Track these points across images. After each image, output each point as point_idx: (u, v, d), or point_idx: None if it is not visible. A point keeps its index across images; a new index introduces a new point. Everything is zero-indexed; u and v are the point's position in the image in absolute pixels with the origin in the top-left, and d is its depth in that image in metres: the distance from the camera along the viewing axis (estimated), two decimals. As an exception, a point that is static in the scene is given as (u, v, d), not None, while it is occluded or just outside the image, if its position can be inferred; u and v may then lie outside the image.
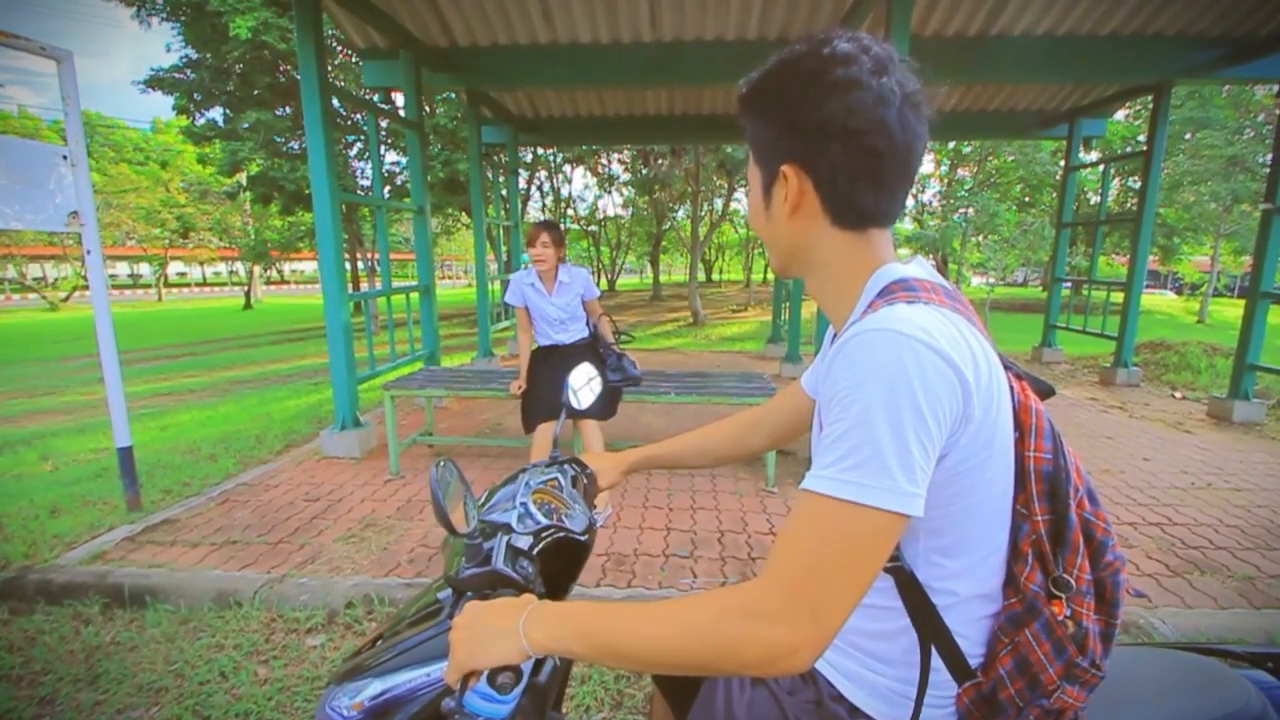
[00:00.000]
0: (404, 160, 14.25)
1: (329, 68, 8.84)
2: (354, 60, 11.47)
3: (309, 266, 49.33)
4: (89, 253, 2.84)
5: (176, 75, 11.95)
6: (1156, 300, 22.26)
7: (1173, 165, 14.10)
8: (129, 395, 3.10)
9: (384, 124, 11.69)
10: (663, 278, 26.16)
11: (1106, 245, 16.30)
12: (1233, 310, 18.58)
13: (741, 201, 21.76)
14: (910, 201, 22.27)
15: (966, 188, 19.43)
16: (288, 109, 12.75)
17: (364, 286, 16.45)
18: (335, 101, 10.41)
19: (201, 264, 38.32)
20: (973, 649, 0.73)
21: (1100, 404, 5.57)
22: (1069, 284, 7.96)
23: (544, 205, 21.28)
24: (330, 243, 3.87)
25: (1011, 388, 0.71)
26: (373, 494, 3.38)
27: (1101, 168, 7.89)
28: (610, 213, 22.65)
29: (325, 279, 3.92)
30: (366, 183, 15.48)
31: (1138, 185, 14.57)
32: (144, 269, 34.94)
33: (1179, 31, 4.92)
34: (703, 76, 5.28)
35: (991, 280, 16.56)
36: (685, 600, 0.64)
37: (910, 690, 0.74)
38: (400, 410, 4.80)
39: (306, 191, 12.70)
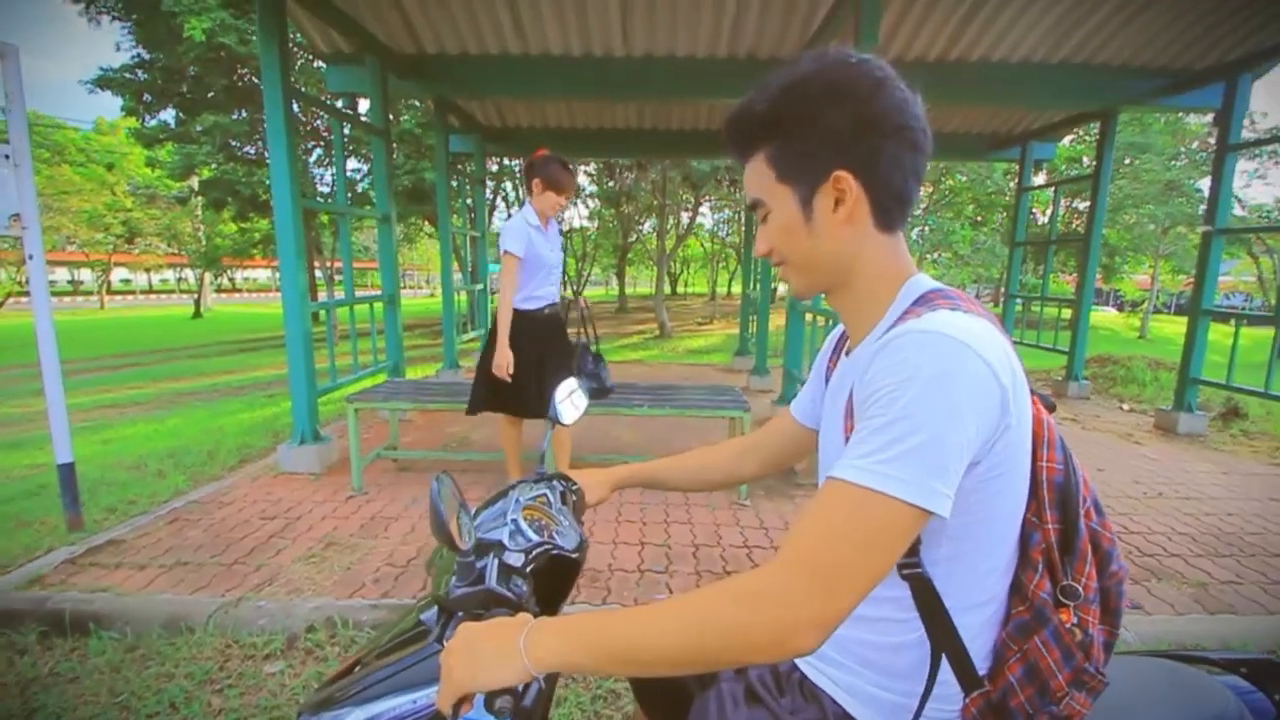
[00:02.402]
0: (364, 167, 13.98)
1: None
2: (314, 64, 11.23)
3: (262, 274, 47.95)
4: (31, 257, 2.68)
5: (127, 75, 11.50)
6: (1100, 316, 23.28)
7: (1115, 188, 14.82)
8: (69, 407, 2.92)
9: (347, 130, 11.48)
10: (628, 289, 26.24)
11: (1054, 264, 17.05)
12: (1171, 326, 19.60)
13: (706, 215, 21.97)
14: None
15: (922, 206, 20.11)
16: (244, 112, 12.39)
17: (321, 296, 16.01)
18: (296, 106, 10.18)
19: (148, 270, 36.82)
20: (980, 658, 0.73)
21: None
22: (1021, 300, 8.26)
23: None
24: (291, 250, 3.74)
25: None
26: (334, 511, 3.26)
27: (1051, 190, 8.23)
28: (576, 224, 22.65)
29: (286, 287, 3.79)
30: (325, 189, 15.13)
31: (1082, 206, 15.32)
32: (85, 275, 33.37)
33: (1124, 62, 5.19)
34: (673, 92, 5.34)
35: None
36: (691, 594, 0.62)
37: (913, 703, 0.74)
38: (362, 424, 4.65)
39: (263, 197, 12.32)
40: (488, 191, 17.00)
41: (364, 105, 9.15)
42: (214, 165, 12.01)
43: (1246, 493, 3.77)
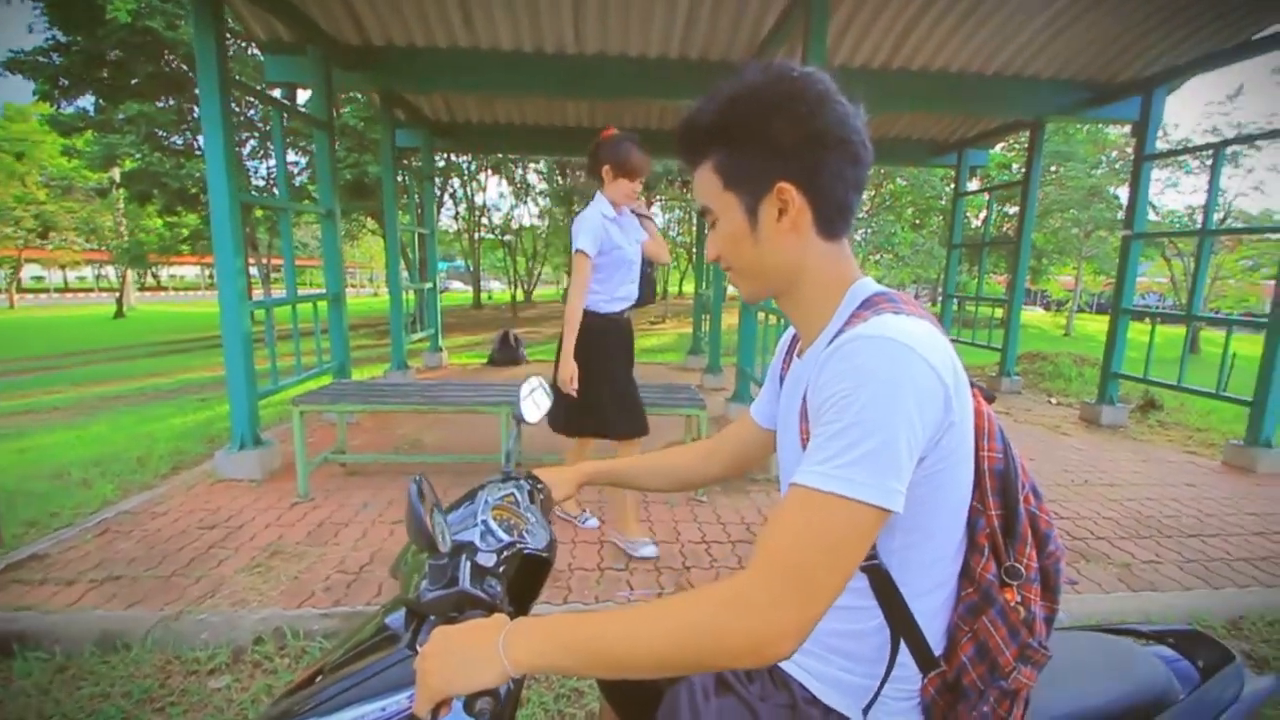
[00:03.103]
0: (301, 160, 13.45)
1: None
2: (249, 50, 10.73)
3: (191, 271, 45.53)
4: (-64, 251, 2.48)
5: (40, 59, 10.73)
6: (1029, 315, 24.52)
7: (1042, 194, 15.63)
8: (-17, 414, 2.71)
9: (285, 121, 11.03)
10: (579, 289, 26.05)
11: (987, 265, 17.89)
12: (1093, 324, 20.85)
13: (658, 215, 22.05)
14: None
15: (865, 209, 20.75)
16: (172, 100, 11.74)
17: (257, 294, 15.33)
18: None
19: (63, 267, 34.46)
20: (935, 639, 0.77)
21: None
22: (957, 300, 8.64)
23: (456, 213, 20.74)
24: (229, 246, 3.58)
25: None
26: (278, 519, 3.13)
27: (986, 195, 8.63)
28: (526, 222, 22.39)
29: (223, 285, 3.61)
30: (260, 183, 14.50)
31: (1012, 211, 16.11)
32: (-9, 272, 30.96)
33: (1051, 75, 5.49)
34: (624, 91, 5.35)
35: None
36: (672, 599, 0.64)
37: (873, 684, 0.77)
38: (307, 427, 4.47)
39: (192, 190, 11.72)
40: (435, 187, 16.67)
41: (303, 96, 8.79)
42: (138, 156, 11.34)
43: (1163, 479, 4.05)
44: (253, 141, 13.19)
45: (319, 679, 0.86)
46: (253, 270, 15.87)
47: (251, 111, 12.47)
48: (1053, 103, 5.67)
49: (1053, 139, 14.30)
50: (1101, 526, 3.24)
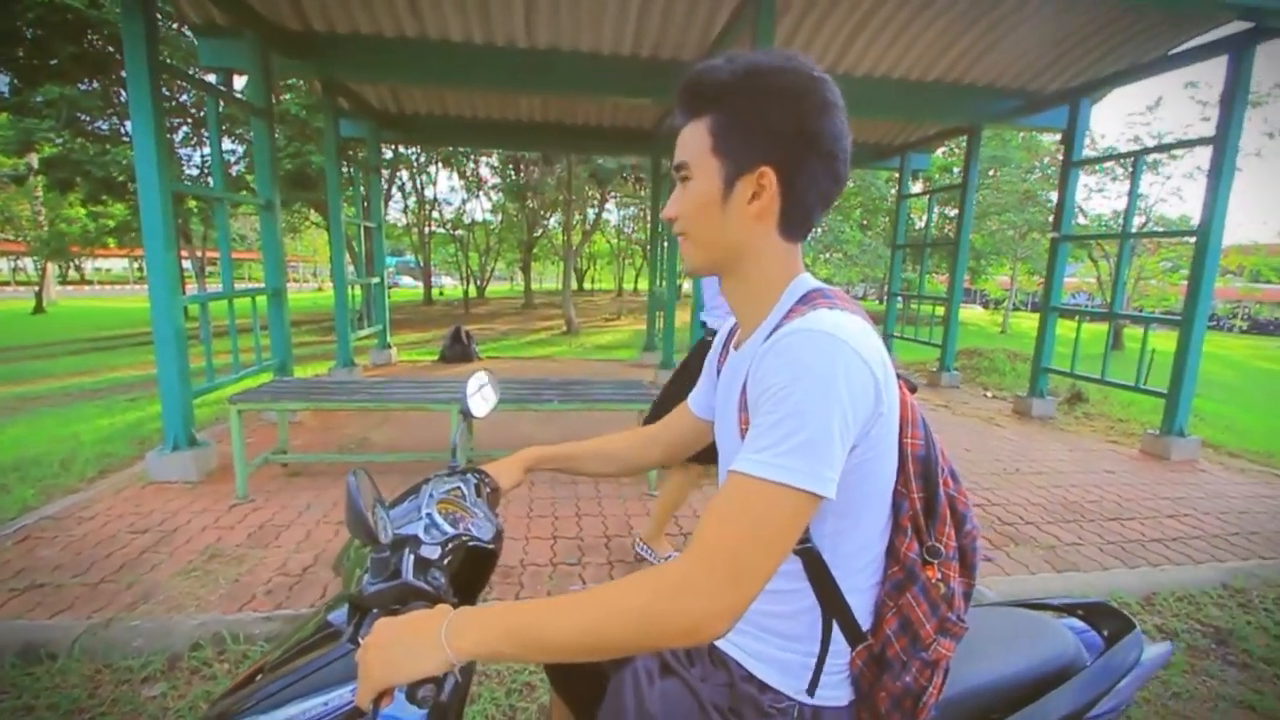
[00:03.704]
0: (238, 149, 12.87)
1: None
2: (182, 31, 10.19)
3: (118, 264, 43.05)
4: None
5: (-56, 35, 9.92)
6: (968, 313, 25.53)
7: (980, 197, 16.31)
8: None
9: (221, 108, 10.55)
10: (535, 285, 25.85)
11: (929, 265, 18.58)
12: (1028, 322, 21.86)
13: (613, 212, 22.05)
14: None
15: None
16: (95, 83, 11.05)
17: (191, 288, 14.63)
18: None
19: (-28, 259, 32.07)
20: (864, 616, 0.81)
21: (929, 404, 6.30)
22: (901, 298, 8.95)
23: (406, 206, 20.25)
24: (160, 238, 3.41)
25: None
26: (216, 521, 3.01)
27: (927, 197, 8.96)
28: (479, 217, 22.02)
29: (153, 279, 3.45)
30: (194, 171, 13.81)
31: (952, 213, 16.77)
32: (-111, 263, 28.58)
33: (988, 83, 5.75)
34: (577, 86, 5.33)
35: (838, 293, 18.18)
36: (612, 584, 0.66)
37: (812, 661, 0.81)
38: (246, 427, 4.31)
39: (119, 178, 11.07)
40: (383, 180, 16.21)
41: (241, 81, 8.42)
42: (59, 141, 10.64)
43: (1087, 466, 4.31)
44: (186, 128, 12.54)
45: (259, 678, 0.85)
46: (186, 264, 15.10)
47: (184, 96, 11.86)
48: (988, 110, 5.94)
49: (989, 144, 14.93)
50: (1030, 512, 3.43)
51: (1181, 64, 4.80)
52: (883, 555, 0.82)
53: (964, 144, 7.44)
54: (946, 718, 0.89)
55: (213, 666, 1.97)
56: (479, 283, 23.30)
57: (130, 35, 3.24)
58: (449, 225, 21.02)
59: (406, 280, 38.54)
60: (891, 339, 8.59)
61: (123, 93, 10.45)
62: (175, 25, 9.67)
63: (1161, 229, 12.27)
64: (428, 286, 22.03)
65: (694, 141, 0.79)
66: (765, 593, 0.82)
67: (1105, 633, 1.06)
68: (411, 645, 0.66)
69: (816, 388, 0.66)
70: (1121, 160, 9.04)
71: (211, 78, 5.16)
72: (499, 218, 21.06)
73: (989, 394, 6.97)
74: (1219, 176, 4.30)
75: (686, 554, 0.66)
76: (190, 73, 6.32)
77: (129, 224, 15.20)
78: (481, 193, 19.60)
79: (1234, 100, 4.22)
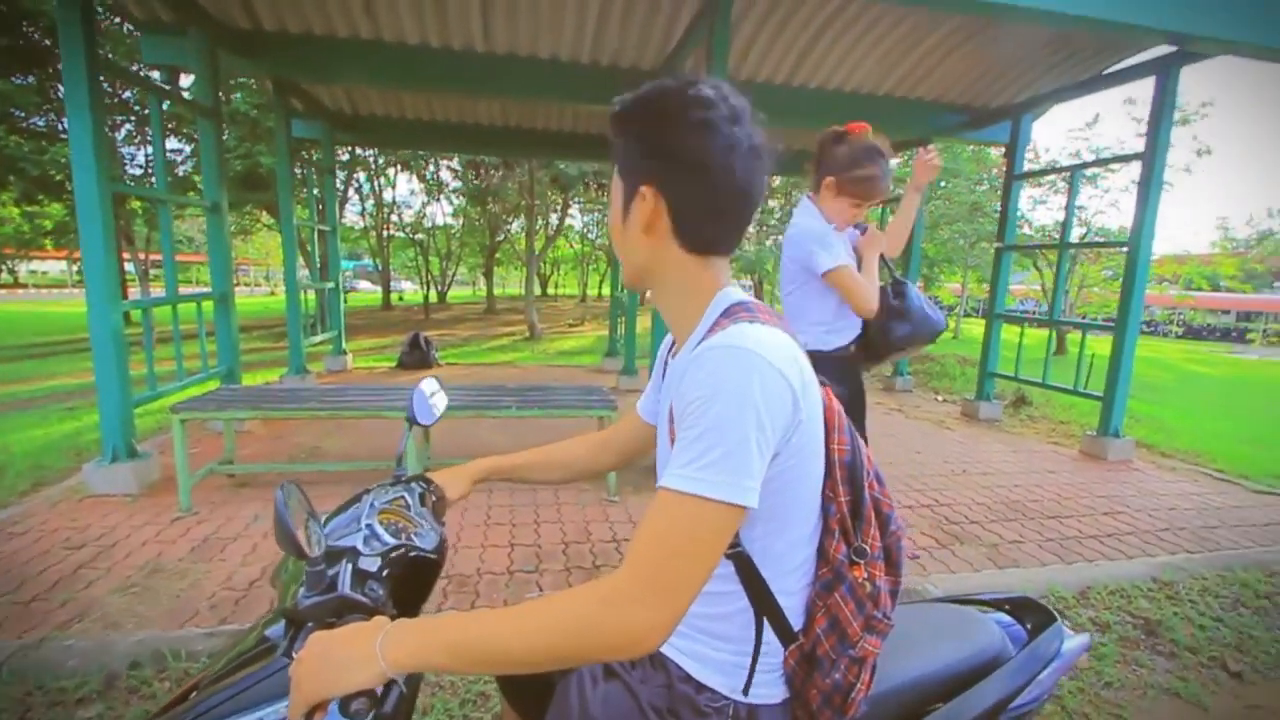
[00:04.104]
0: (185, 148, 12.41)
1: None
2: (123, 26, 9.81)
3: (55, 267, 40.97)
4: None
5: None
6: (923, 319, 26.28)
7: (932, 208, 16.85)
8: None
9: (166, 105, 10.16)
10: (497, 290, 25.57)
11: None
12: (978, 328, 22.58)
13: (576, 217, 22.03)
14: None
15: (776, 217, 21.60)
16: (30, 77, 10.52)
17: (134, 293, 14.03)
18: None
19: (-108, 260, 30.09)
20: (795, 616, 0.84)
21: (884, 407, 6.48)
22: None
23: (363, 209, 19.81)
24: (99, 241, 3.28)
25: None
26: (157, 535, 2.90)
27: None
28: (440, 221, 21.68)
29: (91, 282, 3.31)
30: (137, 171, 13.25)
31: (907, 222, 17.26)
32: None
33: (935, 98, 5.96)
34: (535, 91, 5.31)
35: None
36: (549, 598, 0.68)
37: (746, 661, 0.84)
38: (191, 437, 4.16)
39: (56, 177, 10.56)
40: (338, 182, 15.85)
41: (188, 78, 8.13)
42: (-11, 137, 10.09)
43: (1029, 467, 4.49)
44: (129, 125, 12.03)
45: (194, 695, 0.83)
46: (129, 267, 14.48)
47: (128, 92, 11.40)
48: (935, 124, 6.15)
49: (941, 157, 15.44)
50: (975, 511, 3.56)
51: (1114, 84, 5.07)
52: (813, 557, 0.85)
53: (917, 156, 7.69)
54: (879, 712, 0.93)
55: (152, 685, 1.90)
56: (440, 288, 22.91)
57: (66, 29, 3.12)
58: (409, 229, 20.64)
59: (365, 285, 37.70)
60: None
61: (61, 87, 9.97)
62: (118, 20, 9.30)
63: (1101, 239, 12.84)
64: (387, 291, 21.60)
65: (615, 164, 0.85)
66: (702, 596, 0.84)
67: (1029, 625, 1.12)
68: (344, 658, 0.66)
69: (732, 402, 0.68)
70: (1061, 174, 9.47)
71: (156, 75, 4.98)
72: (460, 222, 20.77)
73: (940, 398, 7.19)
74: (1148, 190, 4.55)
75: (621, 569, 0.68)
76: (134, 69, 6.07)
77: (67, 225, 14.52)
78: (442, 196, 19.33)
79: (1161, 118, 4.48)
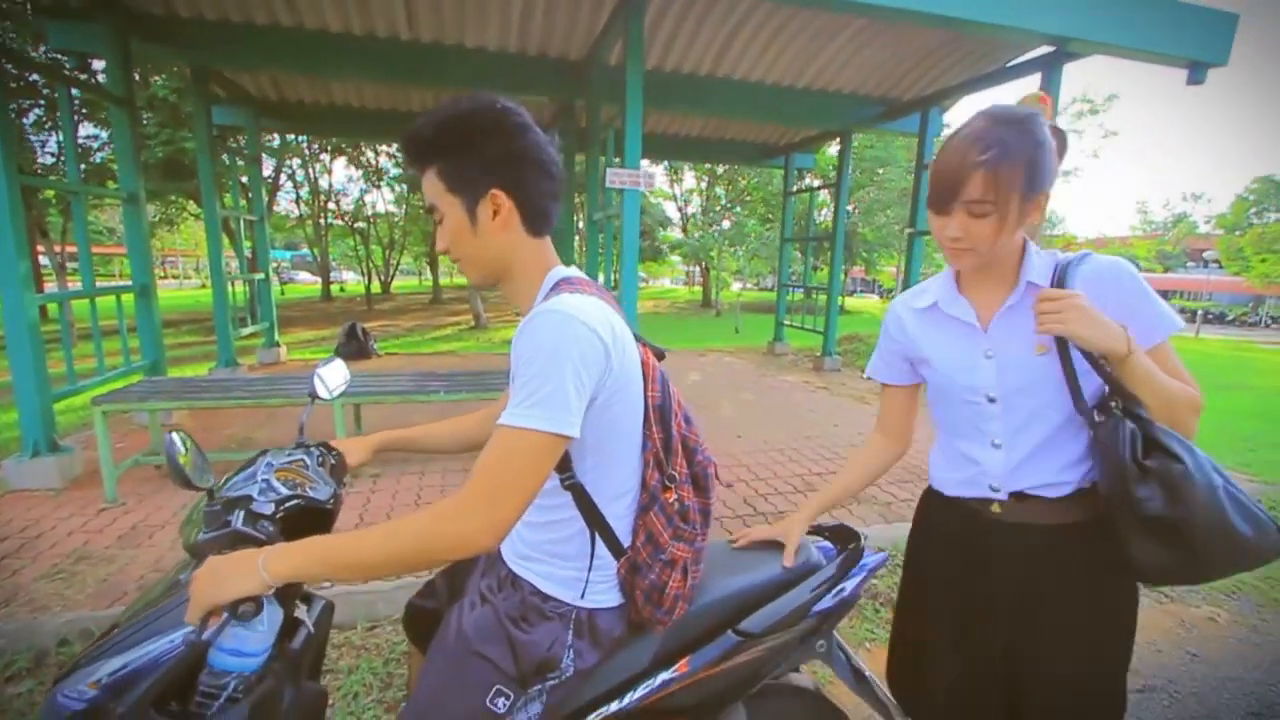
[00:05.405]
0: (102, 134, 11.80)
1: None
2: (26, 6, 9.24)
3: (-39, 261, 38.08)
4: None
5: None
6: (864, 303, 27.26)
7: (866, 194, 17.49)
8: None
9: (77, 92, 9.62)
10: (444, 280, 25.14)
11: (824, 259, 19.68)
12: (911, 309, 23.50)
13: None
14: (676, 214, 24.46)
15: (721, 204, 21.97)
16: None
17: (50, 287, 13.31)
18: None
19: None
20: (623, 534, 1.04)
21: (811, 386, 6.84)
22: (793, 289, 9.52)
23: (298, 197, 19.19)
24: (8, 234, 3.23)
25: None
26: (83, 525, 2.93)
27: (809, 193, 9.56)
28: (380, 209, 21.15)
29: (2, 275, 3.26)
30: (50, 159, 12.52)
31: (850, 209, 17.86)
32: None
33: (853, 90, 6.28)
34: (465, 82, 5.35)
35: (744, 285, 18.89)
36: (402, 519, 0.86)
37: (584, 574, 1.04)
38: (116, 431, 4.11)
39: (-42, 166, 9.92)
40: (269, 169, 15.29)
41: (100, 62, 7.76)
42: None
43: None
44: (38, 110, 11.35)
45: (114, 630, 0.97)
46: (45, 260, 13.70)
47: (35, 75, 10.76)
48: (854, 115, 6.49)
49: (877, 146, 16.02)
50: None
51: (1009, 78, 5.47)
52: (637, 486, 1.05)
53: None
54: (713, 614, 1.15)
55: (79, 660, 1.99)
56: (383, 278, 22.43)
57: (-38, 18, 3.04)
58: (347, 217, 20.10)
59: (304, 276, 36.42)
60: (783, 327, 9.15)
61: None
62: (22, 3, 8.77)
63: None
64: (326, 282, 21.01)
65: (432, 188, 0.98)
66: (546, 525, 1.05)
67: (839, 546, 1.36)
68: (232, 572, 0.83)
69: (551, 354, 0.87)
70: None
71: (69, 63, 4.81)
72: (404, 209, 20.33)
73: (865, 375, 7.59)
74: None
75: (460, 490, 0.86)
76: (42, 55, 5.83)
77: (-30, 215, 13.59)
78: (382, 184, 18.87)
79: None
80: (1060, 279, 1.02)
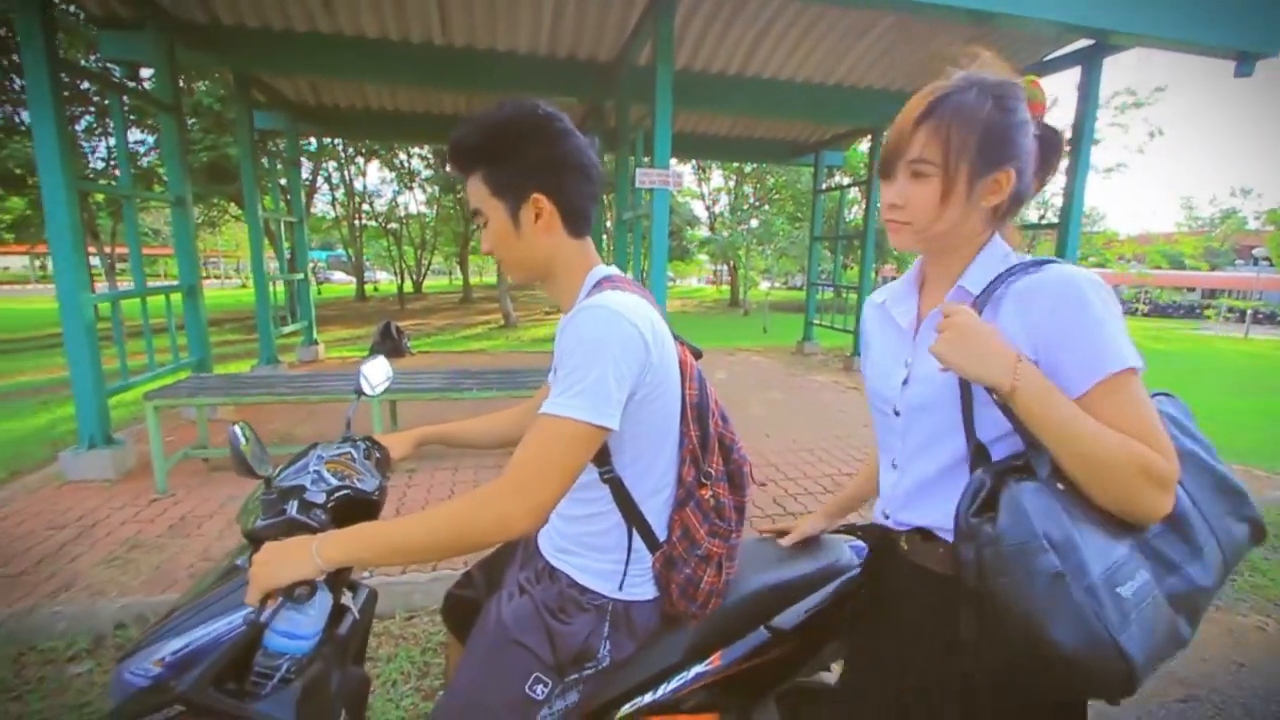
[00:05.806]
0: (149, 138, 12.25)
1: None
2: (79, 18, 9.64)
3: (16, 262, 39.87)
4: None
5: None
6: (894, 300, 26.70)
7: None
8: None
9: (127, 99, 10.00)
10: (474, 279, 25.49)
11: (855, 257, 19.40)
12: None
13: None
14: (704, 213, 24.40)
15: (749, 202, 21.83)
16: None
17: (100, 286, 13.86)
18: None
19: None
20: (659, 529, 1.07)
21: (841, 386, 6.77)
22: (822, 288, 9.44)
23: (334, 198, 19.65)
24: (66, 236, 3.39)
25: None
26: (136, 515, 3.07)
27: (839, 191, 9.46)
28: (413, 210, 21.55)
29: (60, 278, 3.42)
30: (99, 164, 13.05)
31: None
32: None
33: (884, 86, 6.20)
34: (497, 85, 5.44)
35: (772, 284, 18.76)
36: (445, 503, 0.90)
37: (621, 567, 1.07)
38: (166, 426, 4.27)
39: (17, 171, 10.43)
40: (306, 172, 15.68)
41: (148, 70, 8.06)
42: (-57, 130, 9.91)
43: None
44: (89, 117, 11.84)
45: (174, 613, 1.03)
46: (95, 260, 14.28)
47: (86, 82, 11.22)
48: (886, 112, 6.39)
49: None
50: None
51: (1048, 71, 5.34)
52: (673, 481, 1.08)
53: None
54: (747, 608, 1.17)
55: (136, 643, 2.09)
56: (415, 278, 22.83)
57: (25, 26, 3.20)
58: (381, 218, 20.51)
59: (339, 275, 37.25)
60: (812, 326, 9.07)
61: (17, 80, 9.79)
62: (74, 11, 9.15)
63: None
64: (360, 282, 21.48)
65: (477, 193, 1.02)
66: (584, 518, 1.08)
67: (870, 545, 1.36)
68: (287, 557, 0.87)
69: (594, 348, 0.90)
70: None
71: (117, 71, 5.02)
72: (435, 210, 20.67)
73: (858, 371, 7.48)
74: (1075, 172, 4.85)
75: (500, 476, 0.89)
76: (95, 64, 6.07)
77: (28, 219, 14.25)
78: (414, 185, 19.22)
79: (1086, 103, 4.78)
80: (990, 289, 0.86)
